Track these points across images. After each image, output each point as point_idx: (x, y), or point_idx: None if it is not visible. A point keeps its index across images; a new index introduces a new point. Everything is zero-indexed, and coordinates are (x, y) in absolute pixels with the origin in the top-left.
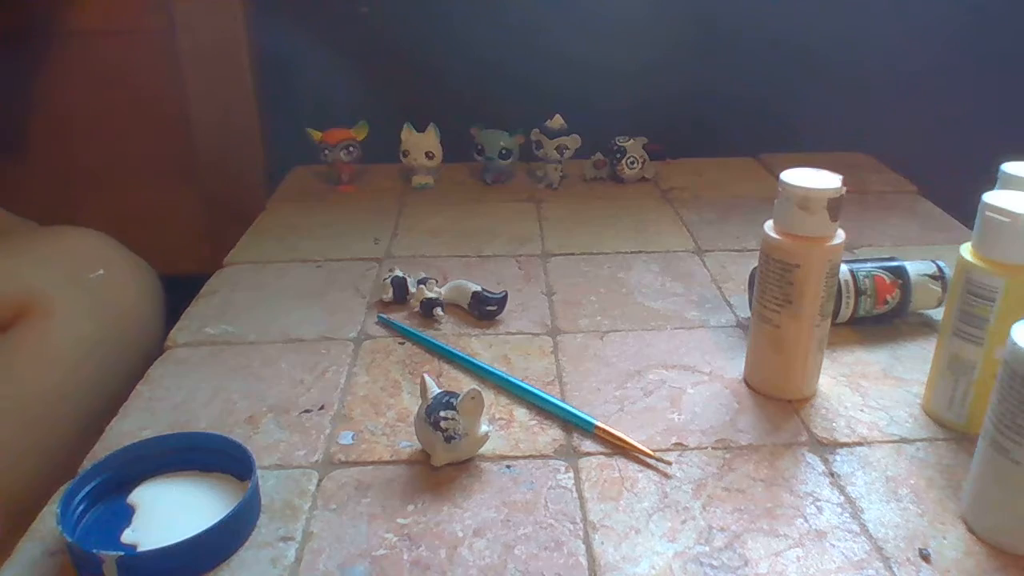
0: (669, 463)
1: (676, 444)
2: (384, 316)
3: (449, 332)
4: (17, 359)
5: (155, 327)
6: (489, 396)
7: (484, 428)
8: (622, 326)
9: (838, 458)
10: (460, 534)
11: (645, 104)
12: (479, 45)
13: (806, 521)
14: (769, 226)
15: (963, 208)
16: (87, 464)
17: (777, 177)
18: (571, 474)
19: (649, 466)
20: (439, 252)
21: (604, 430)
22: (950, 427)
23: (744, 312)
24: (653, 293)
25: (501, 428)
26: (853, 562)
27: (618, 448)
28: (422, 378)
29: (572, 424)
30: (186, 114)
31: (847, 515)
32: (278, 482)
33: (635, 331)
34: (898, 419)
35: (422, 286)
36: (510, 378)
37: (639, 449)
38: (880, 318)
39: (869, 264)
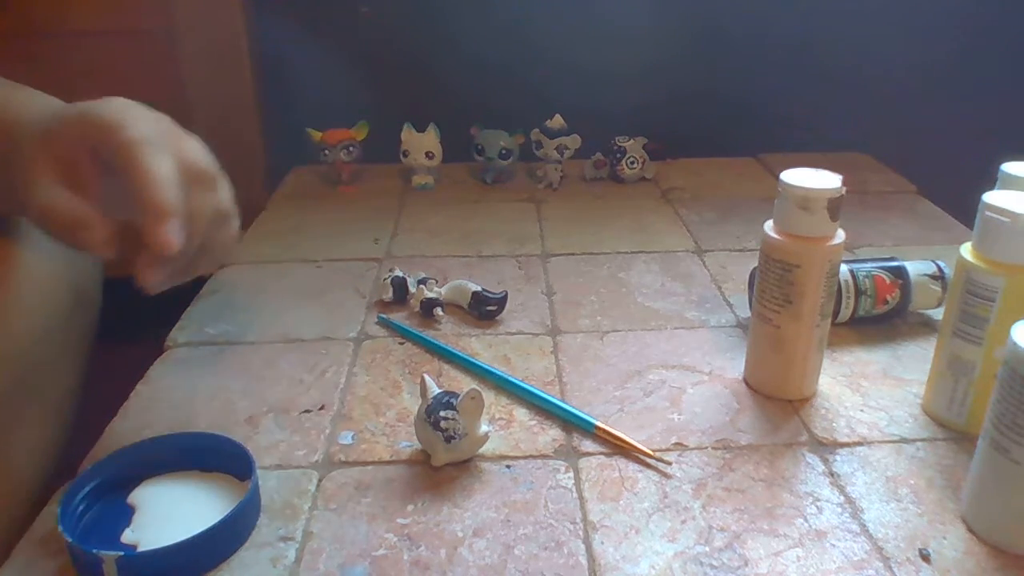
0: (669, 463)
1: (676, 444)
2: (384, 316)
3: (449, 332)
4: None
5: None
6: (489, 396)
7: (484, 428)
8: (622, 326)
9: (838, 458)
10: (460, 534)
11: (645, 104)
12: (479, 45)
13: (806, 521)
14: (769, 226)
15: (963, 208)
16: (87, 464)
17: (777, 177)
18: (571, 474)
19: (649, 466)
20: (439, 252)
21: (604, 430)
22: (950, 427)
23: (744, 312)
24: (653, 293)
25: (501, 428)
26: (853, 562)
27: (618, 448)
28: (422, 378)
29: (572, 424)
30: (186, 114)
31: (847, 515)
32: (278, 482)
33: (635, 331)
34: (898, 419)
35: (422, 286)
36: (510, 378)
37: (639, 449)
38: (880, 318)
39: (869, 264)
